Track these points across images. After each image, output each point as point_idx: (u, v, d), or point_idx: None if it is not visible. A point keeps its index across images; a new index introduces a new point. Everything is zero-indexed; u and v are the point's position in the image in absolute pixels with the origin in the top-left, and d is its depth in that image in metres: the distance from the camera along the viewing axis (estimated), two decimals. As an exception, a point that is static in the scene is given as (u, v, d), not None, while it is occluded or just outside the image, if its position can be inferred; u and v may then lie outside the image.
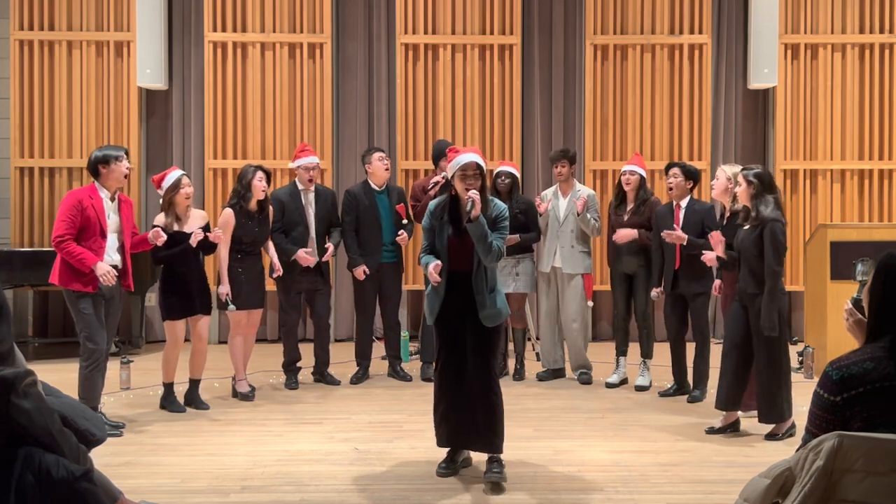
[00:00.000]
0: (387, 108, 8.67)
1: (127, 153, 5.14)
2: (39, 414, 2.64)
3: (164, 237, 5.29)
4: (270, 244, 6.19)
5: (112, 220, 5.06)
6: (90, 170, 5.06)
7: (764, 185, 4.87)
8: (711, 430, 5.09)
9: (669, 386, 6.12)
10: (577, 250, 6.48)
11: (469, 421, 4.23)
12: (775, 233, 4.77)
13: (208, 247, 5.68)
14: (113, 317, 5.16)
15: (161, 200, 5.56)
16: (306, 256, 6.20)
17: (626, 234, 6.20)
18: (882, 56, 8.56)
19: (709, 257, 5.28)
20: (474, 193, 4.05)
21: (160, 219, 5.49)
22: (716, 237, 5.21)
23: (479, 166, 4.14)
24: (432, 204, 4.30)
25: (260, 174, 5.91)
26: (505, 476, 4.12)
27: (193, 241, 5.47)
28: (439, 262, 4.10)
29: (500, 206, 4.25)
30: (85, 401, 4.84)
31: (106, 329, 5.06)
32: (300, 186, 6.39)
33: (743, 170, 5.02)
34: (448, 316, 4.22)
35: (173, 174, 5.55)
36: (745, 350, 4.95)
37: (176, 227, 5.49)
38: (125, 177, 5.09)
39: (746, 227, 4.92)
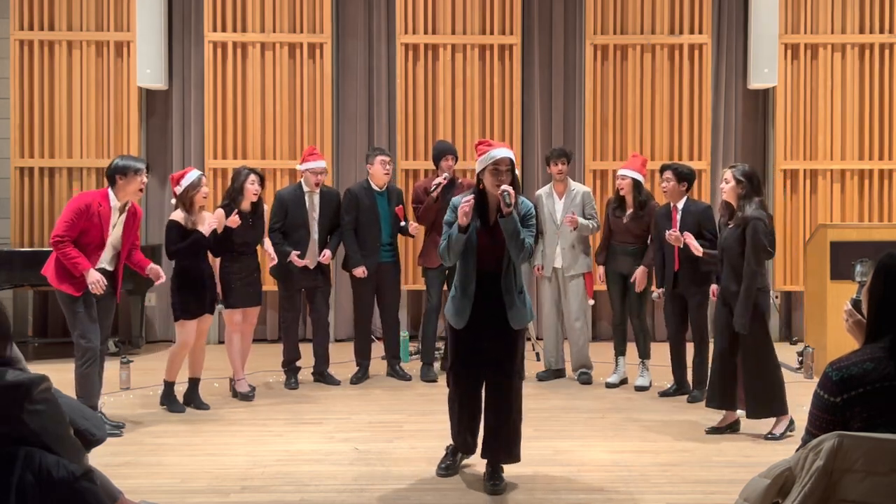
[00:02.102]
0: (387, 108, 8.67)
1: (148, 167, 5.14)
2: (52, 421, 2.64)
3: (164, 278, 5.28)
4: (267, 240, 6.20)
5: (115, 231, 5.06)
6: (108, 175, 5.05)
7: (753, 186, 4.91)
8: (712, 430, 5.10)
9: (669, 386, 6.12)
10: (577, 250, 6.48)
11: (488, 429, 4.14)
12: (757, 231, 4.79)
13: (218, 243, 5.67)
14: (106, 317, 5.16)
15: (174, 199, 5.55)
16: (297, 259, 6.21)
17: (640, 280, 6.20)
18: (882, 56, 8.56)
19: (672, 236, 5.55)
20: (509, 187, 3.96)
21: (179, 215, 5.49)
22: (688, 237, 5.36)
23: (511, 162, 4.06)
24: (457, 200, 4.12)
25: (252, 177, 5.92)
26: (504, 489, 4.05)
27: (207, 230, 5.49)
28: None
29: (528, 203, 4.14)
30: (83, 399, 4.85)
31: (99, 327, 5.07)
32: (305, 188, 6.40)
33: (731, 167, 5.04)
34: (471, 319, 4.09)
35: (193, 173, 5.55)
36: (732, 348, 4.97)
37: (191, 227, 5.50)
38: (140, 191, 5.10)
39: (731, 225, 4.94)
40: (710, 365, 5.87)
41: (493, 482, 4.07)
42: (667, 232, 5.74)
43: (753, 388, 4.91)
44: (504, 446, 4.12)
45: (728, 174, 4.96)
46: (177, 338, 5.63)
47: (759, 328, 4.89)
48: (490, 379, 4.15)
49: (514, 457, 4.15)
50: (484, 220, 4.09)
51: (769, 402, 4.92)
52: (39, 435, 2.61)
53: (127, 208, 5.11)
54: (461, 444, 4.30)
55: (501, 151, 4.03)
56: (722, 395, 5.04)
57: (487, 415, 4.16)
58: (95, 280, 4.88)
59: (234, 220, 5.67)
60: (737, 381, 5.03)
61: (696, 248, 5.40)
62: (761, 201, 4.92)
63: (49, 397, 2.67)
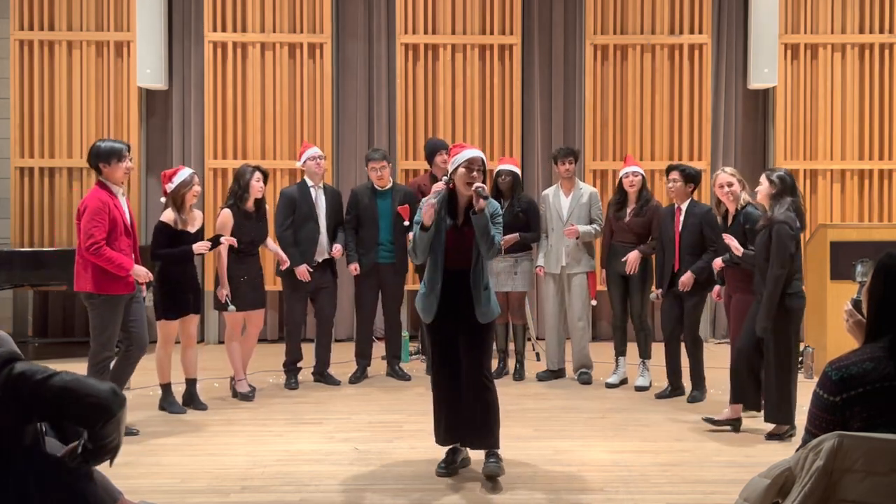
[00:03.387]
0: (387, 108, 8.68)
1: (129, 148, 5.04)
2: (36, 375, 2.55)
3: (150, 278, 5.16)
4: (270, 241, 6.20)
5: (128, 217, 5.01)
6: (91, 165, 4.95)
7: (785, 187, 4.86)
8: (710, 420, 5.10)
9: (665, 388, 6.10)
10: (581, 249, 6.49)
11: (465, 419, 4.26)
12: (781, 235, 4.74)
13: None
14: (138, 315, 5.09)
15: (165, 197, 5.52)
16: (305, 273, 6.22)
17: (633, 261, 6.19)
18: (882, 56, 8.56)
19: (717, 264, 5.38)
20: (482, 184, 4.10)
21: (168, 215, 5.46)
22: (729, 238, 5.20)
23: (483, 162, 4.19)
24: (429, 199, 4.28)
25: (258, 175, 5.92)
26: (502, 467, 4.14)
27: (197, 251, 5.48)
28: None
29: (494, 203, 4.29)
30: None
31: (136, 328, 5.03)
32: (310, 183, 6.41)
33: (767, 171, 5.03)
34: (442, 315, 4.24)
35: (184, 171, 5.53)
36: (757, 349, 4.94)
37: (181, 227, 5.48)
38: (125, 173, 5.00)
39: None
40: (703, 364, 5.94)
41: (491, 460, 4.16)
42: (725, 235, 5.41)
43: (777, 392, 4.87)
44: (483, 435, 4.23)
45: (762, 177, 4.94)
46: (158, 338, 5.60)
47: (786, 332, 4.84)
48: (465, 373, 4.24)
49: (493, 445, 4.23)
50: (454, 219, 4.22)
51: (789, 406, 4.89)
52: (36, 396, 2.53)
53: (123, 194, 5.06)
54: (439, 438, 4.37)
55: (471, 152, 4.20)
56: (745, 392, 5.00)
57: (466, 407, 4.24)
58: (143, 272, 4.91)
59: (230, 241, 5.67)
60: (759, 380, 5.01)
61: (737, 248, 5.14)
62: (794, 202, 4.85)
63: (20, 362, 2.60)
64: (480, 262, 4.22)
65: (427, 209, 4.10)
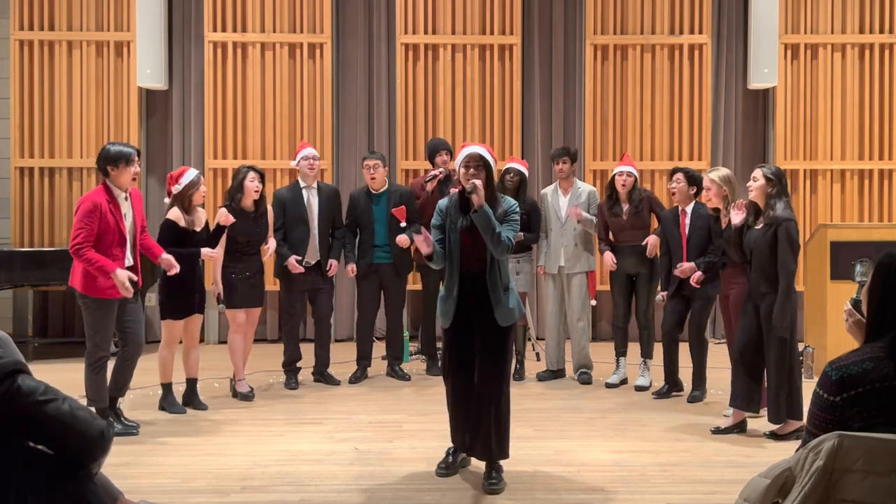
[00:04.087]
0: (387, 108, 8.68)
1: (138, 153, 5.01)
2: (35, 395, 2.55)
3: (178, 269, 5.18)
4: (271, 239, 6.18)
5: (128, 223, 4.97)
6: (99, 168, 4.91)
7: (782, 186, 4.87)
8: (717, 431, 5.07)
9: (662, 386, 6.10)
10: (580, 249, 6.49)
11: (475, 427, 4.17)
12: (790, 232, 4.73)
13: (214, 238, 5.68)
14: (138, 318, 5.07)
15: (170, 198, 5.50)
16: (295, 264, 6.23)
17: (653, 244, 6.21)
18: (882, 56, 8.56)
19: (682, 269, 5.67)
20: (476, 181, 3.99)
21: (175, 214, 5.44)
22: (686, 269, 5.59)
23: (481, 157, 4.10)
24: (443, 202, 4.22)
25: (252, 174, 5.91)
26: (502, 488, 4.06)
27: (204, 255, 5.51)
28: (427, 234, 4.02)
29: (510, 201, 4.21)
30: (94, 402, 4.88)
31: (131, 328, 5.01)
32: (302, 184, 6.42)
33: (759, 167, 5.00)
34: (459, 319, 4.15)
35: (191, 172, 5.53)
36: (756, 349, 4.94)
37: (187, 226, 5.47)
38: (133, 179, 4.98)
39: (759, 226, 4.89)
40: (707, 364, 5.94)
41: (491, 481, 4.07)
42: (676, 270, 5.77)
43: (779, 392, 4.85)
44: (491, 444, 4.14)
45: (757, 172, 4.91)
46: (162, 337, 5.60)
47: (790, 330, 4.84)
48: (478, 378, 4.16)
49: (503, 453, 4.17)
50: (469, 221, 4.12)
51: (792, 405, 4.89)
52: (34, 416, 2.54)
53: (129, 195, 5.02)
54: (459, 444, 4.32)
55: (471, 149, 4.15)
56: (747, 394, 4.99)
57: (475, 413, 4.17)
58: (123, 281, 4.77)
59: (226, 218, 5.65)
60: (760, 380, 5.00)
61: (695, 277, 5.66)
62: (789, 201, 4.87)
63: (27, 377, 2.60)
64: (497, 262, 4.12)
65: (421, 242, 3.99)
